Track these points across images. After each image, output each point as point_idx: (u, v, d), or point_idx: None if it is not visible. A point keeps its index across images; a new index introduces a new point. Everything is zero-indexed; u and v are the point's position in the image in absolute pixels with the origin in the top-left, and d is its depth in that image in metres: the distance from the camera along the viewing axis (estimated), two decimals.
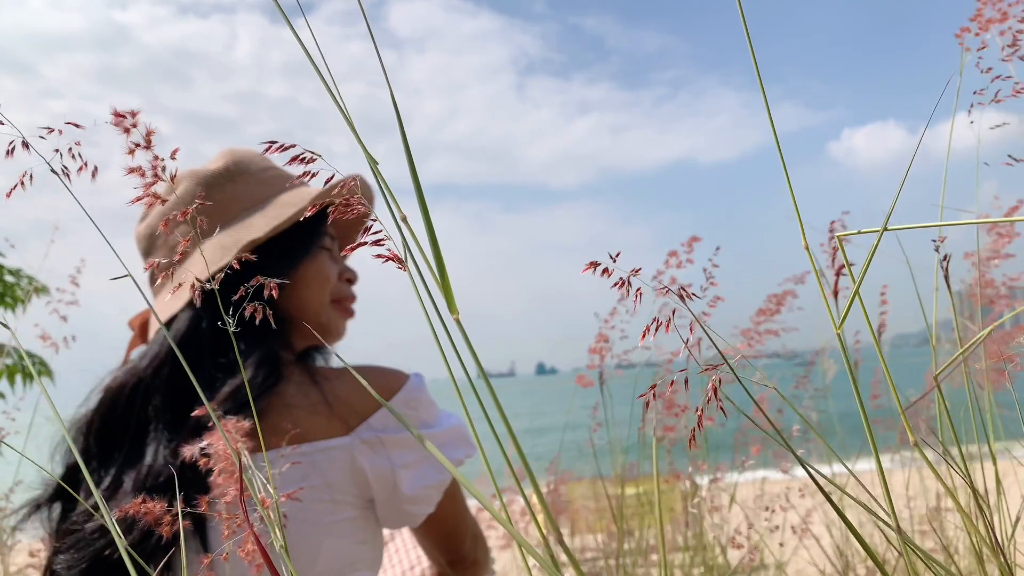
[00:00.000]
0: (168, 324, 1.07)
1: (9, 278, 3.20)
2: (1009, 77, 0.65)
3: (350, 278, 1.20)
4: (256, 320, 0.50)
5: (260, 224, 1.06)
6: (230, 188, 1.12)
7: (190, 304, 1.07)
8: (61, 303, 1.65)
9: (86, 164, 0.43)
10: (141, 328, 1.18)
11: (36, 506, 1.02)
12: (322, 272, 1.13)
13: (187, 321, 1.06)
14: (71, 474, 1.03)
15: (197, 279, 0.51)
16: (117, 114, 0.42)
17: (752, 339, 1.70)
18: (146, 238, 1.15)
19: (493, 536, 2.70)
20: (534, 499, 2.99)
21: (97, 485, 0.99)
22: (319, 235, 1.13)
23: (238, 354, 0.51)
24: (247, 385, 0.93)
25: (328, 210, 0.45)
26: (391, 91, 0.41)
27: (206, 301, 1.04)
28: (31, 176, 0.43)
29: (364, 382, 1.11)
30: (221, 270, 1.02)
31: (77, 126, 0.42)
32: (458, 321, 0.37)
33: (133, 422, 1.02)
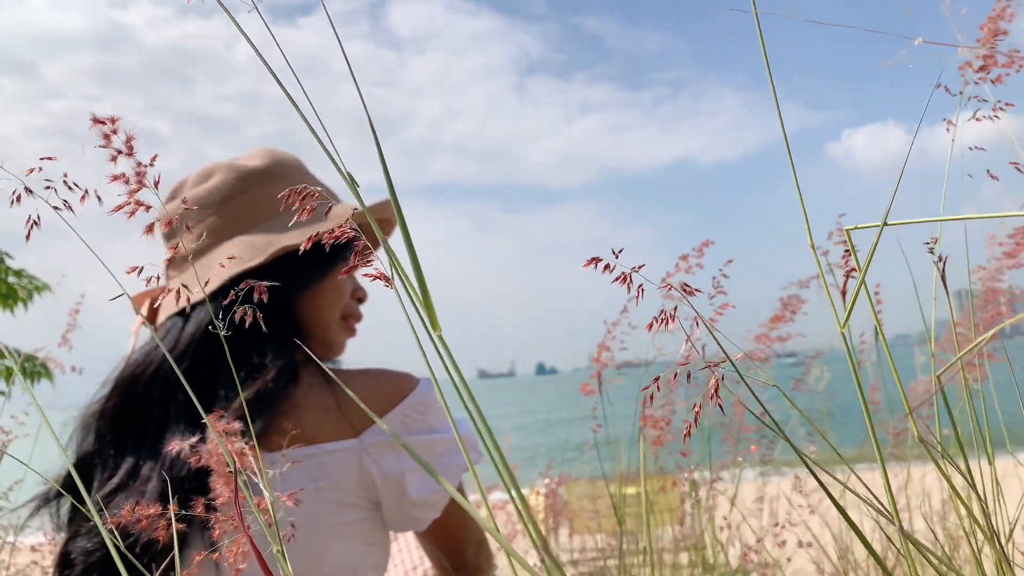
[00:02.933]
0: (184, 313, 1.05)
1: (12, 279, 3.20)
2: (985, 100, 0.67)
3: (360, 296, 1.19)
4: (277, 325, 0.50)
5: (295, 233, 1.04)
6: (268, 188, 1.11)
7: (213, 297, 1.03)
8: (69, 331, 1.67)
9: (86, 193, 0.43)
10: (150, 311, 1.14)
11: (45, 500, 1.01)
12: (340, 288, 1.13)
13: (209, 314, 1.02)
14: (83, 464, 1.02)
15: (221, 270, 0.51)
16: (96, 120, 0.41)
17: (767, 344, 1.70)
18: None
19: (507, 538, 2.69)
20: (532, 501, 2.99)
21: (112, 473, 0.99)
22: (344, 250, 1.10)
23: (257, 356, 0.51)
24: (267, 389, 0.94)
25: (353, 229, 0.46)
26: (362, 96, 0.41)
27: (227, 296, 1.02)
28: (39, 217, 0.43)
29: (374, 384, 1.10)
30: (250, 270, 1.01)
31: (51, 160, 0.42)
32: (441, 338, 0.38)
33: (152, 412, 1.00)
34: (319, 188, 0.46)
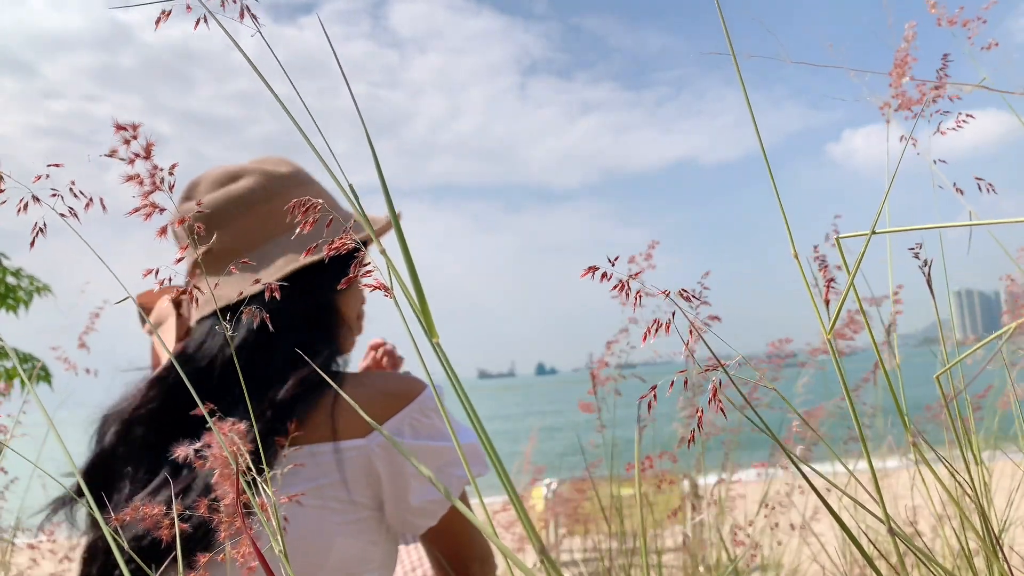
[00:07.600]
0: (225, 314, 1.03)
1: (11, 279, 3.21)
2: (947, 112, 0.70)
3: (362, 299, 1.23)
4: (322, 321, 0.51)
5: (299, 256, 1.06)
6: (296, 193, 1.12)
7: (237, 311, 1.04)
8: (87, 334, 1.69)
9: (91, 200, 0.43)
10: (179, 325, 1.12)
11: (62, 503, 1.02)
12: (360, 292, 1.19)
13: (243, 328, 1.03)
14: (104, 463, 1.02)
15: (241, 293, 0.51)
16: (119, 126, 0.42)
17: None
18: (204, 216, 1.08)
19: (508, 538, 2.69)
20: (531, 502, 2.98)
21: (145, 481, 0.99)
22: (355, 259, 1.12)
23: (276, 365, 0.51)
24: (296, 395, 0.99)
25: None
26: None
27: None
28: (44, 224, 0.43)
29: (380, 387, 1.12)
30: (242, 300, 1.00)
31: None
32: (438, 345, 0.38)
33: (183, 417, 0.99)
34: (320, 201, 0.47)
